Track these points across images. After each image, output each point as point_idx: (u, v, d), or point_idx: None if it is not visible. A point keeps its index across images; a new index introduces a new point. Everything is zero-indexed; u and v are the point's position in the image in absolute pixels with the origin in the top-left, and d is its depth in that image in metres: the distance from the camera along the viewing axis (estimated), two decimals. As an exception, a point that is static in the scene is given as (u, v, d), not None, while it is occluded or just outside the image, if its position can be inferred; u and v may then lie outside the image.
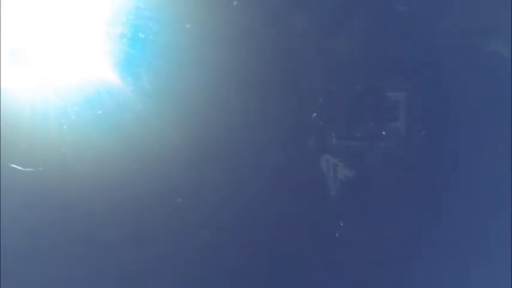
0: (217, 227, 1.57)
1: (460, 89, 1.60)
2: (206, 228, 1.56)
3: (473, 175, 1.62)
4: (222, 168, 1.55)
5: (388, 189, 1.60)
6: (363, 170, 1.59)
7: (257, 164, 1.57)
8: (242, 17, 1.52)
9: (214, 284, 1.61)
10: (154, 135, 1.52)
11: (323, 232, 1.61)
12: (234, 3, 1.46)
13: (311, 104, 1.57)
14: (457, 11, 1.57)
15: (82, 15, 1.46)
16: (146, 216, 1.56)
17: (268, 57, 1.55)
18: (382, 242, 1.60)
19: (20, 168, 1.47)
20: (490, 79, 1.59)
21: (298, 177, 1.61)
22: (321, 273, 1.60)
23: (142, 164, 1.53)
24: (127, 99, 1.49)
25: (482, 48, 1.57)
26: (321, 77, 1.58)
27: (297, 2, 1.56)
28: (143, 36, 1.48)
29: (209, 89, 1.54)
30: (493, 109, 1.60)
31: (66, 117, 1.48)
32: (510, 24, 1.53)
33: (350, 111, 1.59)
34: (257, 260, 1.60)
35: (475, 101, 1.60)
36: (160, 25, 1.50)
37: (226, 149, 1.55)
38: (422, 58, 1.60)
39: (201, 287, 1.63)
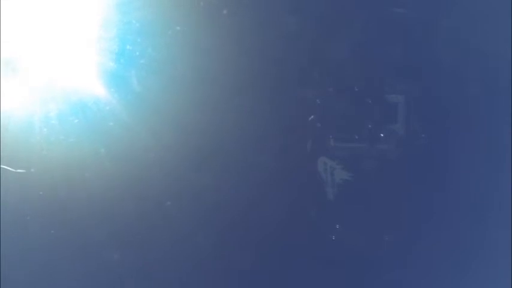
0: (213, 231, 1.57)
1: (460, 90, 1.59)
2: (201, 232, 1.56)
3: (473, 176, 1.61)
4: (216, 171, 1.55)
5: (386, 192, 1.60)
6: (360, 172, 1.58)
7: (253, 167, 1.56)
8: (235, 21, 1.51)
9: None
10: (147, 138, 1.53)
11: (320, 235, 1.61)
12: (224, 11, 1.45)
13: (308, 106, 1.56)
14: (457, 12, 1.56)
15: (72, 26, 1.47)
16: (139, 217, 1.56)
17: (263, 60, 1.54)
18: (380, 245, 1.59)
19: (11, 169, 1.48)
20: (490, 79, 1.58)
21: (295, 180, 1.60)
22: (318, 277, 1.60)
23: (132, 167, 1.54)
24: (115, 106, 1.51)
25: (482, 49, 1.56)
26: (319, 79, 1.57)
27: (294, 3, 1.54)
28: (131, 48, 1.49)
29: (203, 92, 1.53)
30: (493, 110, 1.59)
31: (57, 122, 1.50)
32: (510, 24, 1.52)
33: (348, 114, 1.58)
34: (253, 264, 1.59)
35: (474, 102, 1.59)
36: (149, 37, 1.50)
37: (221, 152, 1.55)
38: (421, 59, 1.59)
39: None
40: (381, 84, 1.58)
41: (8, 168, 1.47)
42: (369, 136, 1.56)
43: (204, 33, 1.53)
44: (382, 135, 1.56)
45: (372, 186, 1.60)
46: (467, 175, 1.62)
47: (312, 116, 1.56)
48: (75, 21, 1.47)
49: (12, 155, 1.48)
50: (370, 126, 1.56)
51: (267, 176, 1.57)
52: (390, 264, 1.63)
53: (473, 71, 1.57)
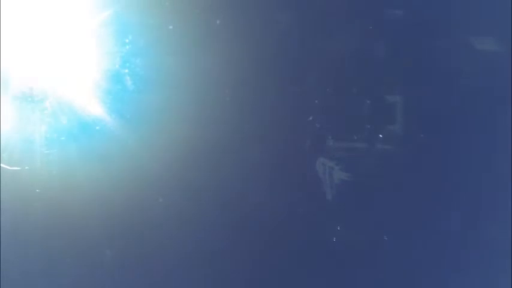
0: (211, 231, 1.58)
1: (459, 90, 1.59)
2: (200, 232, 1.57)
3: (473, 177, 1.61)
4: (214, 172, 1.55)
5: (385, 192, 1.60)
6: (359, 173, 1.58)
7: (252, 167, 1.57)
8: (234, 21, 1.51)
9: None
10: (147, 137, 1.55)
11: (319, 236, 1.61)
12: (223, 11, 1.45)
13: (307, 106, 1.56)
14: (457, 11, 1.55)
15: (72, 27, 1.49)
16: (139, 217, 1.57)
17: (263, 60, 1.54)
18: (379, 245, 1.60)
19: (6, 167, 1.49)
20: (490, 79, 1.57)
21: (293, 181, 1.61)
22: (317, 278, 1.61)
23: (131, 167, 1.55)
24: (113, 107, 1.53)
25: (482, 48, 1.55)
26: (318, 79, 1.57)
27: (293, 3, 1.54)
28: (130, 47, 1.50)
29: (201, 92, 1.54)
30: (493, 110, 1.58)
31: (53, 119, 1.52)
32: (510, 24, 1.51)
33: (347, 114, 1.58)
34: (251, 264, 1.60)
35: (474, 102, 1.58)
36: (149, 38, 1.52)
37: (219, 152, 1.55)
38: (420, 59, 1.58)
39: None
40: (380, 85, 1.57)
41: (5, 166, 1.49)
42: (368, 136, 1.56)
43: (203, 34, 1.54)
44: (380, 135, 1.56)
45: (371, 187, 1.60)
46: (467, 175, 1.61)
47: (311, 117, 1.56)
48: (74, 22, 1.49)
49: (10, 154, 1.49)
50: (369, 126, 1.56)
51: (265, 176, 1.57)
52: (389, 264, 1.63)
53: (473, 71, 1.57)
